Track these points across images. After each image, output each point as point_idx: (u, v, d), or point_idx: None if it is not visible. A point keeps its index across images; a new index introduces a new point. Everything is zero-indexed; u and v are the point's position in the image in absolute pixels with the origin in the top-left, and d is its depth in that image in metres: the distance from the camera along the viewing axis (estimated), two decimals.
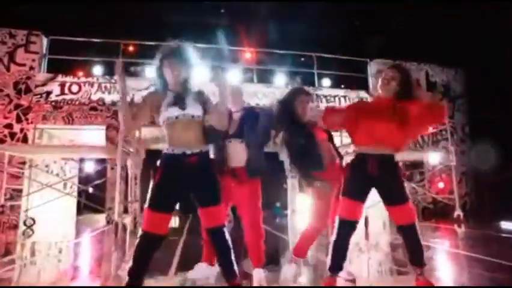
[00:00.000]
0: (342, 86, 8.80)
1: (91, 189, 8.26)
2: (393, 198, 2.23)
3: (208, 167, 2.06)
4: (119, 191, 5.78)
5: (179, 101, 2.02)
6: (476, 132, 8.72)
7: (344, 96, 8.39)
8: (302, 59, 9.18)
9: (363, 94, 8.45)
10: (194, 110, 2.03)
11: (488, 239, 5.03)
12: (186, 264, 2.89)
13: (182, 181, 1.98)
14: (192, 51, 2.11)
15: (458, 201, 6.76)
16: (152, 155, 9.61)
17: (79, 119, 7.31)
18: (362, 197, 2.27)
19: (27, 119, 6.90)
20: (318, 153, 2.62)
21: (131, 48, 8.89)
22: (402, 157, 7.81)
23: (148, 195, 1.98)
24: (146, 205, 1.95)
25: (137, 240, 1.95)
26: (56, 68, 7.51)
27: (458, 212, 6.51)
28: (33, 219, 6.18)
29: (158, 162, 2.04)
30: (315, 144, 2.63)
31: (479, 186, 8.35)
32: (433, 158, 7.72)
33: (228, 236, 2.04)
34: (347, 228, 2.24)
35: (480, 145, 8.12)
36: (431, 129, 8.36)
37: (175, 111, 2.00)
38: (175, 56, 2.04)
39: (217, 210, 2.02)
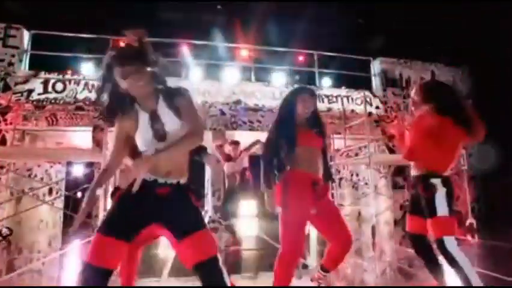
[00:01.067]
0: (344, 87, 8.36)
1: (79, 194, 7.76)
2: None
3: (183, 198, 1.59)
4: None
5: (153, 121, 1.58)
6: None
7: (347, 97, 7.96)
8: (300, 58, 8.74)
9: (366, 94, 8.02)
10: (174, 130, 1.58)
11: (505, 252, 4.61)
12: None
13: (148, 211, 1.52)
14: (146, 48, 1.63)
15: (470, 209, 6.35)
16: None
17: (63, 119, 6.80)
18: None
19: (5, 120, 6.37)
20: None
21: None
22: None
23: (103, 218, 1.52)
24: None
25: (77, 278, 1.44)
26: (39, 64, 7.00)
27: (470, 221, 6.10)
28: (10, 229, 5.66)
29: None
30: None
31: (489, 191, 7.95)
32: None
33: (223, 268, 1.57)
34: None
35: (487, 147, 7.74)
36: None
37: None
38: (128, 59, 1.50)
39: (207, 235, 1.55)
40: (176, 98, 1.61)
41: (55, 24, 7.32)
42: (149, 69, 1.55)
